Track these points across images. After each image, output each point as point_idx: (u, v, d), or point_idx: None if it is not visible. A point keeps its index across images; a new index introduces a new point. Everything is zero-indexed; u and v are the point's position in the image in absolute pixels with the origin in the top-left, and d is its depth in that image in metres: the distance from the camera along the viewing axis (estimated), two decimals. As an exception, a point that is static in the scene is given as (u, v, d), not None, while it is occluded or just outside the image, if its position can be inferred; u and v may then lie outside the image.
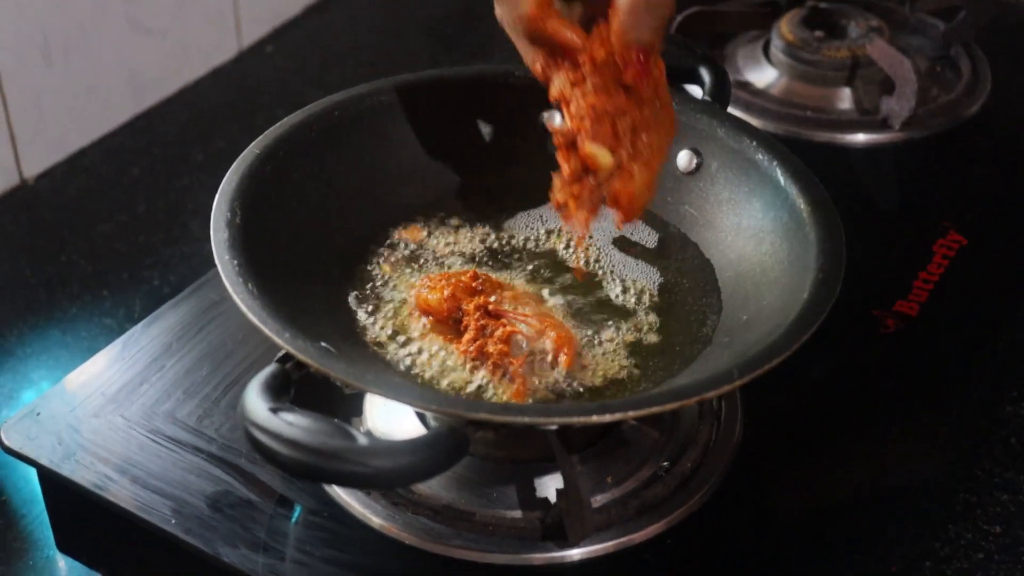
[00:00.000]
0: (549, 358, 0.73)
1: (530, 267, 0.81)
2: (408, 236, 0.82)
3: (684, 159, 0.82)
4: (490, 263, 0.81)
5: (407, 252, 0.81)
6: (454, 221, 0.84)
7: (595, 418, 0.61)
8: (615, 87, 0.66)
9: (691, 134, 0.82)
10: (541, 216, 0.85)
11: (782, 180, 0.76)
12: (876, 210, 1.03)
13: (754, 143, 0.79)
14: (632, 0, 0.62)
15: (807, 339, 0.65)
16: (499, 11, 0.65)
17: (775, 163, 0.77)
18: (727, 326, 0.74)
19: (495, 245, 0.83)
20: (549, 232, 0.84)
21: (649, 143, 0.67)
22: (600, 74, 0.65)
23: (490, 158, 0.83)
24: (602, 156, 0.67)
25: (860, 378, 0.84)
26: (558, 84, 0.66)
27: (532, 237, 0.83)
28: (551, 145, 0.69)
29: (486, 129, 0.85)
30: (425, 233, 0.82)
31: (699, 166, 0.82)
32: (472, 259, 0.81)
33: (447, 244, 0.82)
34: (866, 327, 0.87)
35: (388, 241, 0.82)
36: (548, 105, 0.82)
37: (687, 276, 0.79)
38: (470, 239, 0.83)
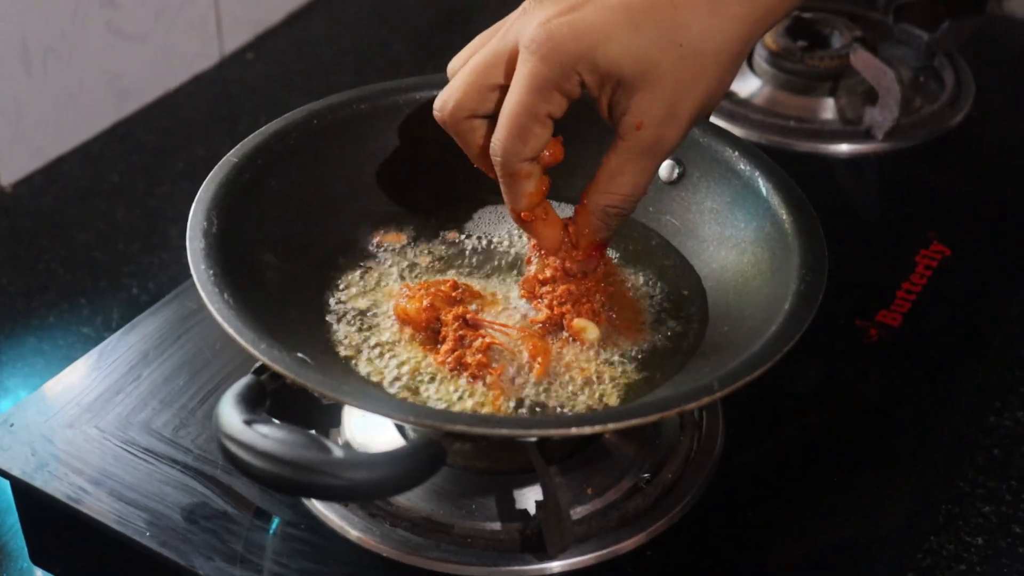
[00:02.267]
0: (525, 369, 0.72)
1: (512, 274, 0.80)
2: (388, 244, 0.82)
3: (666, 169, 0.82)
4: (471, 271, 0.80)
5: (386, 261, 0.81)
6: (434, 229, 0.83)
7: (574, 430, 0.61)
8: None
9: None
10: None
11: (764, 190, 0.76)
12: (859, 220, 1.03)
13: (736, 152, 0.79)
14: (603, 209, 0.69)
15: (789, 350, 0.64)
16: (509, 202, 0.70)
17: (757, 173, 0.77)
18: (709, 337, 0.74)
19: (476, 252, 0.82)
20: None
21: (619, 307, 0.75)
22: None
23: (470, 166, 0.81)
24: (590, 330, 0.73)
25: (842, 389, 0.84)
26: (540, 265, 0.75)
27: (514, 243, 0.83)
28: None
29: None
30: (405, 241, 0.82)
31: (681, 175, 0.81)
32: (453, 267, 0.80)
33: (427, 252, 0.82)
34: (849, 337, 0.87)
35: (367, 250, 0.81)
36: None
37: (670, 284, 0.79)
38: (450, 247, 0.82)
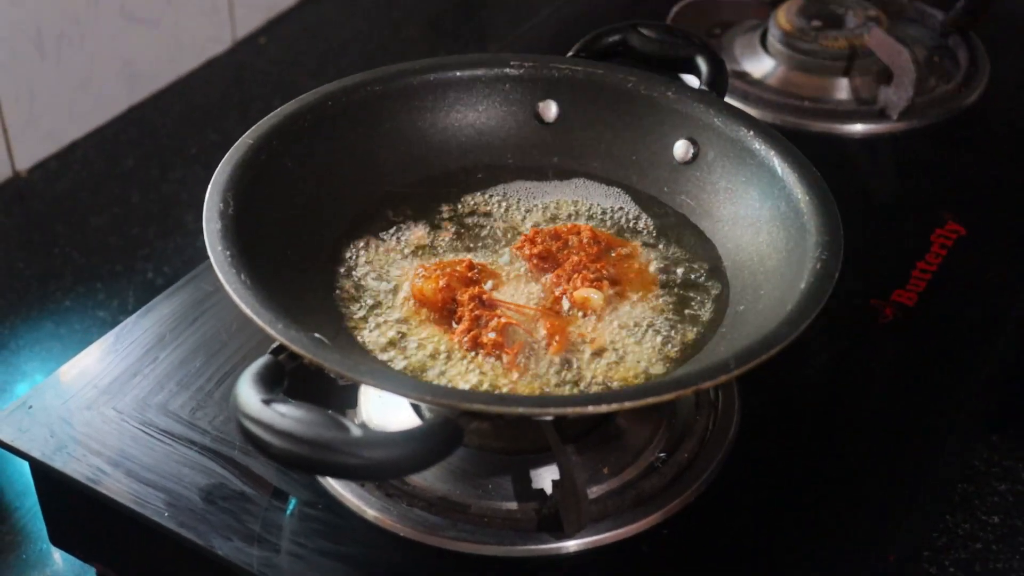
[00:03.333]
0: (543, 347, 0.73)
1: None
2: (403, 224, 0.82)
3: (681, 148, 0.82)
4: (486, 250, 0.80)
5: (402, 241, 0.81)
6: (449, 208, 0.84)
7: (591, 409, 0.61)
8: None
9: (688, 123, 0.82)
10: (539, 203, 0.85)
11: (779, 169, 0.76)
12: (874, 200, 1.02)
13: (751, 132, 0.79)
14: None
15: (805, 329, 0.64)
16: None
17: (772, 152, 0.77)
18: (725, 315, 0.74)
19: (492, 231, 0.82)
20: (554, 217, 0.84)
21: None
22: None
23: (484, 146, 0.84)
24: (593, 297, 0.75)
25: (858, 368, 0.84)
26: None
27: (530, 223, 0.83)
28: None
29: (480, 118, 0.86)
30: (419, 221, 0.82)
31: (696, 155, 0.82)
32: (468, 246, 0.81)
33: (442, 231, 0.82)
34: (864, 317, 0.86)
35: (382, 231, 0.81)
36: (541, 94, 0.85)
37: (685, 263, 0.79)
38: (465, 226, 0.82)
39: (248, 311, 0.64)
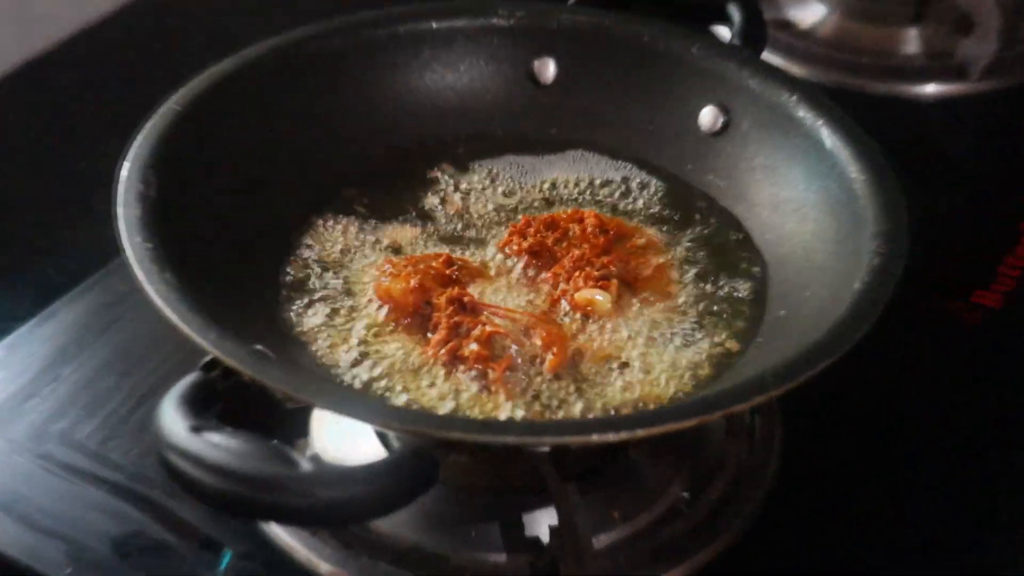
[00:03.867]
0: (538, 362, 0.73)
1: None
2: (366, 208, 0.82)
3: (708, 117, 0.83)
4: (466, 241, 0.81)
5: (366, 230, 0.81)
6: (421, 191, 0.84)
7: (595, 438, 0.61)
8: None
9: (717, 86, 0.82)
10: (533, 183, 0.85)
11: (829, 142, 0.77)
12: (950, 179, 1.03)
13: (795, 97, 0.79)
14: None
15: (861, 338, 0.64)
16: None
17: (821, 121, 0.77)
18: (764, 321, 0.75)
19: (475, 217, 0.83)
20: (551, 201, 0.84)
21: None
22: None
23: (466, 114, 0.85)
24: (598, 300, 0.75)
25: (930, 386, 0.84)
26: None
27: (523, 201, 0.84)
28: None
29: (461, 80, 0.86)
30: (386, 204, 0.83)
31: (726, 125, 0.82)
32: (444, 236, 0.81)
33: (414, 217, 0.82)
34: (936, 323, 0.87)
35: (342, 217, 0.82)
36: (537, 51, 0.86)
37: (715, 258, 0.80)
38: (443, 211, 0.83)
39: (173, 317, 0.63)
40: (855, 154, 0.75)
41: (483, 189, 0.85)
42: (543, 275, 0.78)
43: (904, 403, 0.84)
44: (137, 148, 0.73)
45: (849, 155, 0.76)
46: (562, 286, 0.76)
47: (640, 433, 0.61)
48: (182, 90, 0.76)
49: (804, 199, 0.77)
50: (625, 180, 0.85)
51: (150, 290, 0.65)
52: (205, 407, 0.62)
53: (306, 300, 0.77)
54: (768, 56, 0.87)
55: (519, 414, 0.70)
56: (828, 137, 0.77)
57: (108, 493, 0.75)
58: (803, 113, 0.79)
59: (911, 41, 1.12)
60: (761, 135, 0.80)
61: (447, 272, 0.76)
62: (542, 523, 0.72)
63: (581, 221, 0.80)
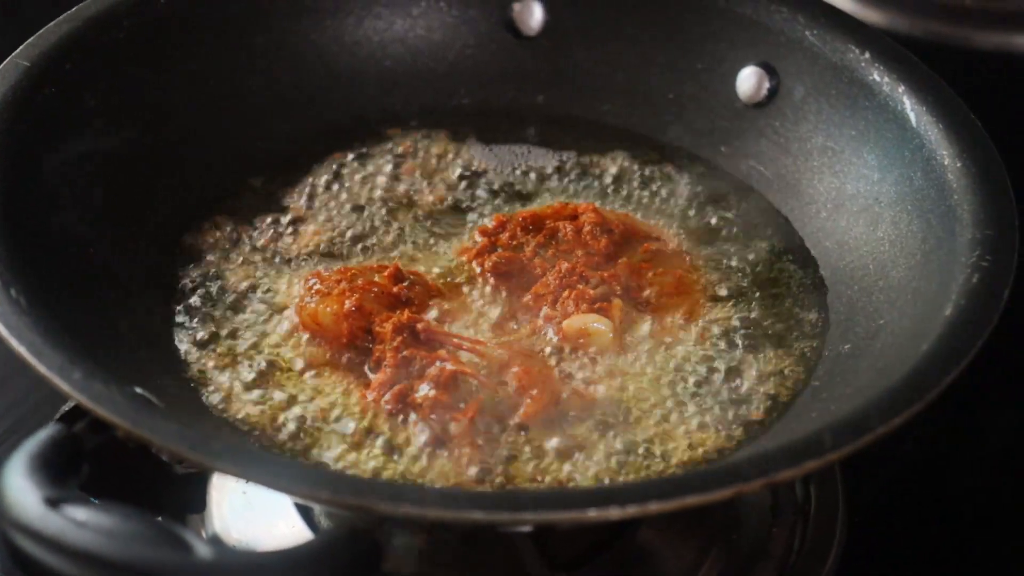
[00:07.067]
0: (512, 410, 0.67)
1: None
2: (285, 200, 0.77)
3: (749, 81, 0.81)
4: (421, 247, 0.74)
5: (285, 233, 0.76)
6: (360, 178, 0.79)
7: (593, 513, 0.56)
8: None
9: (761, 38, 0.78)
10: (509, 168, 0.79)
11: (913, 117, 0.72)
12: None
13: (868, 54, 0.75)
14: None
15: (951, 382, 0.59)
16: None
17: (903, 88, 0.72)
18: (822, 359, 0.69)
19: (430, 217, 0.76)
20: (530, 193, 0.79)
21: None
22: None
23: (421, 74, 0.79)
24: (596, 330, 0.69)
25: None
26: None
27: (493, 203, 0.76)
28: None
29: (415, 29, 0.81)
30: (313, 199, 0.77)
31: (773, 93, 0.77)
32: (391, 245, 0.75)
33: (351, 217, 0.77)
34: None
35: (253, 215, 0.76)
36: None
37: (757, 269, 0.74)
38: (380, 204, 0.77)
39: (23, 350, 0.59)
40: (949, 133, 0.71)
41: (444, 176, 0.80)
42: (524, 297, 0.72)
43: (1008, 462, 0.80)
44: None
45: (941, 134, 0.71)
46: (546, 310, 0.70)
47: (653, 508, 0.56)
48: (31, 40, 0.72)
49: (878, 194, 0.73)
50: (637, 166, 0.81)
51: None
52: (66, 472, 0.59)
53: (206, 328, 0.72)
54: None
55: (489, 481, 0.66)
56: (913, 110, 0.72)
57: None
58: (879, 76, 0.74)
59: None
60: (820, 106, 0.76)
61: (395, 290, 0.71)
62: (523, 630, 0.65)
63: (575, 218, 0.75)
